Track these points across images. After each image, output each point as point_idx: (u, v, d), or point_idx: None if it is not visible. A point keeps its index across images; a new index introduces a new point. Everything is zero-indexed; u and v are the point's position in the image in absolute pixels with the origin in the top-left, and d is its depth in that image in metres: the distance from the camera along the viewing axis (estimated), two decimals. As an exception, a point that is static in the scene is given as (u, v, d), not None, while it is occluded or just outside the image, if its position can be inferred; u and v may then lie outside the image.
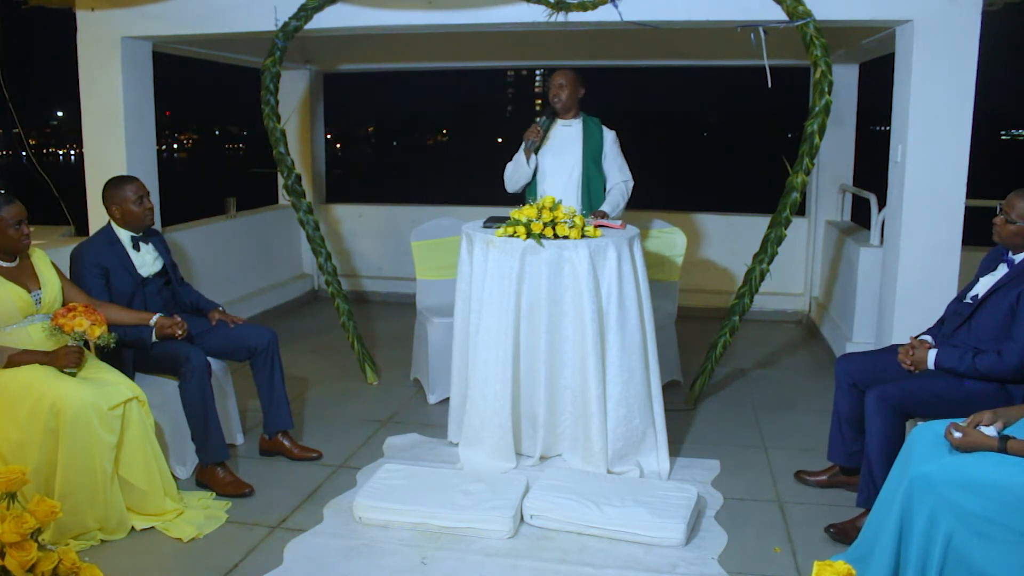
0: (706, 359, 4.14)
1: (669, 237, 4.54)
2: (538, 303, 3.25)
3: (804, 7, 3.74)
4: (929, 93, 3.78)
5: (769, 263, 3.98)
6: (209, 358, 3.27)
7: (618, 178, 4.15)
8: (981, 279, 2.91)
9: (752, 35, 3.91)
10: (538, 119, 4.11)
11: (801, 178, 3.88)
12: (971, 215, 3.96)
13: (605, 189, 4.16)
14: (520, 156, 4.11)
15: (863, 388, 2.96)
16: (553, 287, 3.24)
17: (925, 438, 2.42)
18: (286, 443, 3.55)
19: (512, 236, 3.29)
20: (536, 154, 4.11)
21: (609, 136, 4.17)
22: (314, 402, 4.26)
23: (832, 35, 4.05)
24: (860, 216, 5.64)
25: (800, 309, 6.04)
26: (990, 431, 2.31)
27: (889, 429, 2.76)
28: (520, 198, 4.17)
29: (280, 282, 6.40)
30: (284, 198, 6.46)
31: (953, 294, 3.39)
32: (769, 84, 4.01)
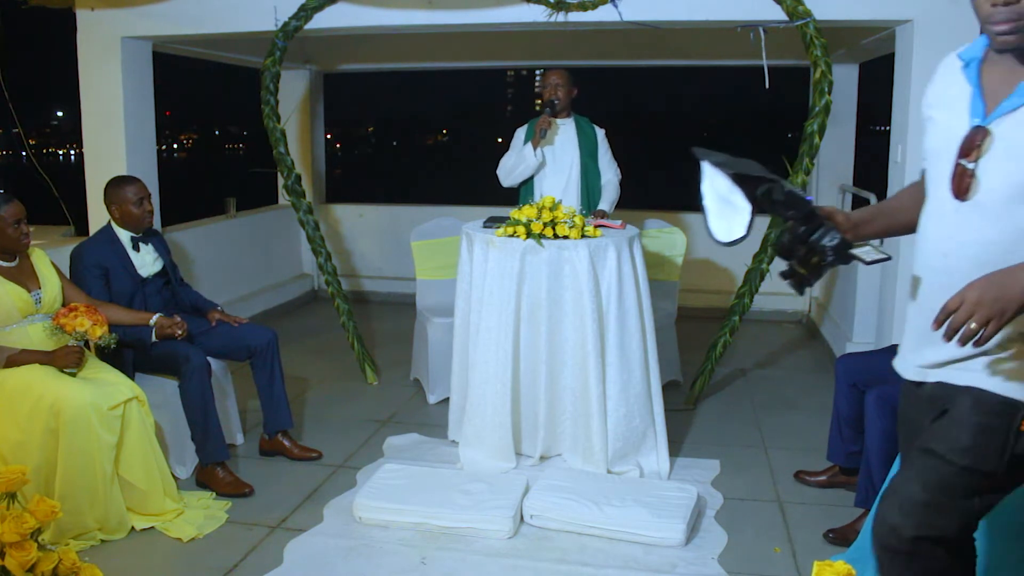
0: (706, 359, 4.14)
1: (669, 237, 4.55)
2: (538, 303, 3.25)
3: (804, 7, 3.75)
4: (929, 93, 3.77)
5: (769, 263, 3.98)
6: (209, 358, 3.27)
7: (610, 174, 4.19)
8: (981, 279, 2.90)
9: (752, 35, 3.91)
10: (546, 110, 4.07)
11: (801, 178, 3.89)
12: (971, 215, 3.95)
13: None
14: (526, 148, 4.05)
15: (863, 388, 2.96)
16: (553, 287, 3.24)
17: (925, 438, 2.42)
18: (286, 443, 3.55)
19: (512, 236, 3.29)
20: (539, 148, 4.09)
21: (600, 133, 4.20)
22: (314, 402, 4.26)
23: (832, 35, 4.05)
24: (860, 216, 5.63)
25: (800, 309, 6.04)
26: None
27: (889, 429, 2.75)
28: (516, 196, 4.16)
29: (280, 282, 6.40)
30: (284, 198, 6.45)
31: (953, 294, 3.38)
32: (767, 84, 4.01)
